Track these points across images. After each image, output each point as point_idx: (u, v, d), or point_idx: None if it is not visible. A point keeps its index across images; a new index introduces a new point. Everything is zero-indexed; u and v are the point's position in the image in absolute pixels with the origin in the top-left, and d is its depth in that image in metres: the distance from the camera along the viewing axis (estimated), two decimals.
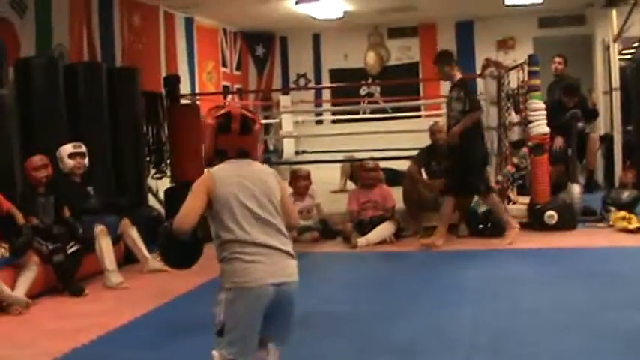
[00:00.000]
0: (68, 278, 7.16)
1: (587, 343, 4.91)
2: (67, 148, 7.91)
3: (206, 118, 3.78)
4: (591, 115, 11.87)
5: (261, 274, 3.52)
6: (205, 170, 3.76)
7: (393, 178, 11.08)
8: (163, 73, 12.15)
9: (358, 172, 10.31)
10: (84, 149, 8.00)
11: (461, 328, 5.36)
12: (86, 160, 7.99)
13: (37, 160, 7.53)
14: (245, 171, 3.70)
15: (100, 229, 7.52)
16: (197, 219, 3.62)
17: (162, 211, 10.11)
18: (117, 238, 7.95)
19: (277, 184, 3.78)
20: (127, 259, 8.25)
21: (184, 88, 12.38)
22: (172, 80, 11.02)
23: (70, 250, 7.22)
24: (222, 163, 3.71)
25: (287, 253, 3.66)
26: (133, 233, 8.05)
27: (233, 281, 3.53)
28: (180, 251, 3.78)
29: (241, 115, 3.75)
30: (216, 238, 3.65)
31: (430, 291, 6.65)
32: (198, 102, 12.41)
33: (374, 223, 9.26)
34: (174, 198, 9.82)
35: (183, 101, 11.37)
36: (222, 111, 3.75)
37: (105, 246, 7.48)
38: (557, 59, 12.43)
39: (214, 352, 3.59)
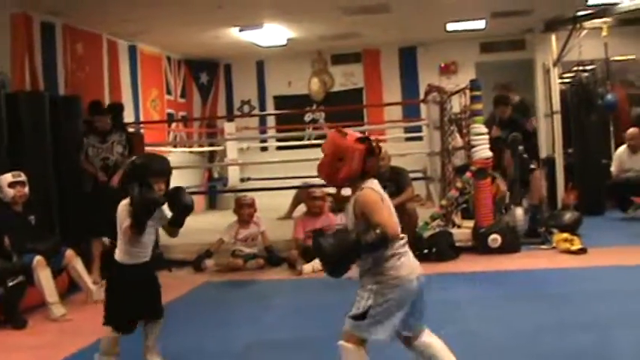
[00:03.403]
0: (10, 311, 7.05)
1: None
2: (7, 177, 7.78)
3: (341, 141, 4.12)
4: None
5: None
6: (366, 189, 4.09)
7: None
8: (107, 102, 12.04)
9: (304, 199, 10.31)
10: (23, 178, 7.87)
11: (406, 355, 5.36)
12: (26, 189, 7.87)
13: None
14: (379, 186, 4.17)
15: (37, 260, 7.35)
16: None
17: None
18: (60, 269, 7.86)
19: None
20: (73, 288, 8.16)
21: (128, 116, 12.29)
22: (116, 109, 10.92)
23: (11, 283, 7.11)
24: (368, 182, 4.11)
25: None
26: (78, 264, 7.94)
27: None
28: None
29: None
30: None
31: None
32: (142, 130, 12.35)
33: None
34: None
35: (128, 130, 11.30)
36: (361, 135, 4.17)
37: (44, 278, 7.34)
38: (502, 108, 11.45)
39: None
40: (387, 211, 4.05)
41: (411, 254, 4.17)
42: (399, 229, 4.06)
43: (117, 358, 5.24)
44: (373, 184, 4.12)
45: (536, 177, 11.00)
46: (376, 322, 4.01)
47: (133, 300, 5.14)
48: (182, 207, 5.14)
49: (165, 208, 5.20)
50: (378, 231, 3.92)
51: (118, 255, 5.17)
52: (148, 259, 5.23)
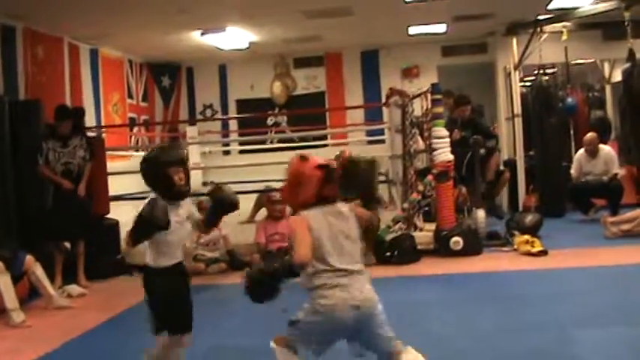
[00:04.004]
0: None
1: None
2: None
3: (301, 167, 4.16)
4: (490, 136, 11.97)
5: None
6: (298, 215, 4.13)
7: None
8: (68, 106, 11.97)
9: (265, 203, 10.29)
10: None
11: (369, 357, 5.37)
12: None
13: None
14: (333, 211, 4.15)
15: None
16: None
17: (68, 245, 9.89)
18: (21, 275, 7.79)
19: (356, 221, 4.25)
20: (33, 294, 8.11)
21: (90, 120, 12.22)
22: (77, 113, 10.84)
23: None
24: (311, 209, 4.11)
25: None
26: (37, 270, 7.87)
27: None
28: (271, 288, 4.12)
29: (333, 164, 4.27)
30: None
31: None
32: (103, 135, 12.28)
33: (281, 254, 9.25)
34: None
35: (89, 134, 11.23)
36: (322, 162, 4.18)
37: (3, 284, 7.30)
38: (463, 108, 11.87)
39: None
40: (307, 239, 4.00)
41: (354, 285, 4.06)
42: (307, 260, 3.98)
43: None
44: (315, 210, 4.11)
45: (494, 156, 11.82)
46: (299, 335, 4.11)
47: (177, 298, 4.78)
48: (226, 206, 4.84)
49: (193, 205, 4.96)
50: (286, 258, 4.13)
51: (148, 258, 4.81)
52: (180, 260, 4.84)
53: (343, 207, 4.21)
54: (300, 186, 4.11)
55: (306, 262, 3.97)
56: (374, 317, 4.10)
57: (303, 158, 4.19)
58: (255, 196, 11.97)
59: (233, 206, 4.84)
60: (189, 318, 4.85)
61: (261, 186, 11.78)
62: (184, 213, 4.79)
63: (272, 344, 4.17)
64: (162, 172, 4.61)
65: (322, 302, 3.99)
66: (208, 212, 4.88)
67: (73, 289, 8.68)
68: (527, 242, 9.51)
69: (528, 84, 14.07)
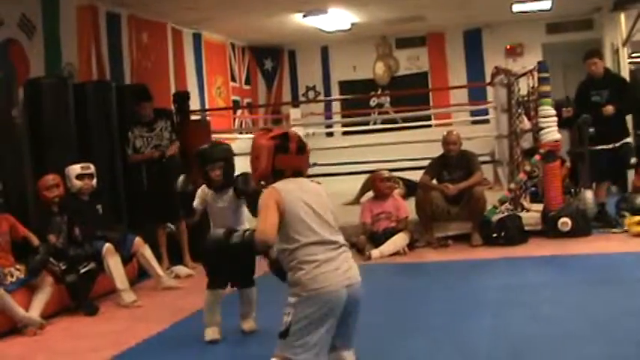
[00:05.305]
0: (82, 298, 7.15)
1: (606, 350, 4.87)
2: (75, 169, 7.85)
3: (258, 139, 4.00)
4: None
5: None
6: (269, 187, 3.91)
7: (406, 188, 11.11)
8: (173, 90, 12.13)
9: (373, 183, 10.17)
10: (92, 170, 7.94)
11: (479, 340, 5.31)
12: (94, 181, 7.94)
13: (50, 179, 7.58)
14: (304, 186, 3.93)
15: (107, 247, 7.45)
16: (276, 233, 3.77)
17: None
18: (130, 256, 7.93)
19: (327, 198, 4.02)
20: (143, 275, 8.25)
21: (194, 104, 12.36)
22: (182, 97, 10.98)
23: (83, 270, 7.20)
24: (279, 181, 3.90)
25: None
26: (146, 252, 8.00)
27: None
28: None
29: (297, 136, 4.03)
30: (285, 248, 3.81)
31: (446, 303, 6.60)
32: (208, 118, 12.41)
33: (387, 234, 9.22)
34: None
35: (194, 117, 11.36)
36: (279, 132, 4.00)
37: (113, 265, 7.43)
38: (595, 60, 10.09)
39: None
40: (271, 216, 3.73)
41: (345, 260, 3.80)
42: (273, 238, 3.72)
43: (219, 327, 5.74)
44: (284, 182, 3.89)
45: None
46: (298, 340, 3.65)
47: (218, 259, 5.47)
48: (239, 192, 5.59)
49: None
50: (247, 233, 4.13)
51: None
52: None
53: (310, 182, 4.04)
54: (258, 159, 3.94)
55: (267, 239, 3.72)
56: (358, 302, 3.82)
57: (266, 130, 4.09)
58: (359, 177, 11.91)
59: (249, 194, 5.40)
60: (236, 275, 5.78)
61: (364, 167, 11.76)
62: (228, 199, 5.75)
63: None
64: (202, 170, 5.71)
65: (313, 285, 3.67)
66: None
67: (181, 269, 8.79)
68: (638, 223, 9.25)
69: (637, 60, 13.68)
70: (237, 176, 5.55)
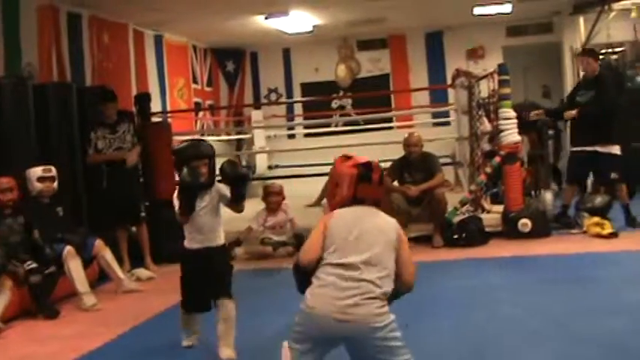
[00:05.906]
0: (43, 300, 7.09)
1: (565, 349, 4.94)
2: (37, 172, 7.80)
3: (340, 166, 3.98)
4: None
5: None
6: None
7: None
8: (134, 92, 12.06)
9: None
10: (54, 173, 7.89)
11: (440, 340, 5.34)
12: (55, 184, 7.89)
13: (4, 182, 7.43)
14: (366, 216, 3.89)
15: (67, 250, 7.40)
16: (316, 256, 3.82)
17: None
18: (90, 259, 7.88)
19: (397, 237, 3.88)
20: (103, 278, 8.20)
21: (155, 106, 12.28)
22: (143, 98, 10.90)
23: (46, 272, 7.13)
24: (345, 208, 3.93)
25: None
26: (107, 254, 7.96)
27: None
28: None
29: (379, 166, 4.03)
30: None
31: (407, 304, 6.60)
32: (169, 120, 12.36)
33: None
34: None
35: (155, 119, 11.30)
36: (361, 160, 3.97)
37: (74, 268, 7.38)
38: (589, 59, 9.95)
39: None
40: (314, 237, 3.89)
41: (354, 296, 3.61)
42: (308, 258, 3.84)
43: (197, 337, 5.63)
44: (347, 210, 3.91)
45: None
46: (293, 341, 3.74)
47: (193, 282, 5.45)
48: (232, 178, 5.25)
49: (223, 187, 5.34)
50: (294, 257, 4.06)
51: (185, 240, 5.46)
52: (210, 245, 5.39)
53: (380, 216, 3.95)
54: (339, 187, 3.94)
55: (303, 264, 3.85)
56: (370, 340, 3.62)
57: (346, 157, 4.03)
58: (321, 179, 11.91)
59: (239, 178, 5.28)
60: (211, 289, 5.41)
61: (326, 169, 11.76)
62: (208, 198, 5.32)
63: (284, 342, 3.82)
64: (186, 167, 5.17)
65: (307, 302, 3.70)
66: (230, 189, 5.28)
67: (142, 272, 8.77)
68: (597, 224, 9.34)
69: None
70: (224, 163, 5.29)
